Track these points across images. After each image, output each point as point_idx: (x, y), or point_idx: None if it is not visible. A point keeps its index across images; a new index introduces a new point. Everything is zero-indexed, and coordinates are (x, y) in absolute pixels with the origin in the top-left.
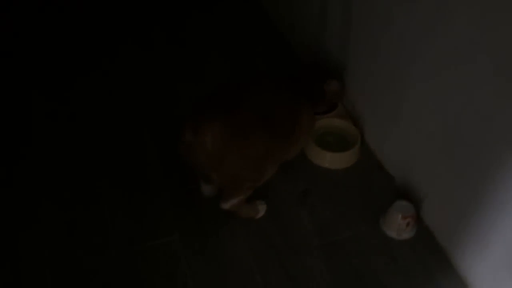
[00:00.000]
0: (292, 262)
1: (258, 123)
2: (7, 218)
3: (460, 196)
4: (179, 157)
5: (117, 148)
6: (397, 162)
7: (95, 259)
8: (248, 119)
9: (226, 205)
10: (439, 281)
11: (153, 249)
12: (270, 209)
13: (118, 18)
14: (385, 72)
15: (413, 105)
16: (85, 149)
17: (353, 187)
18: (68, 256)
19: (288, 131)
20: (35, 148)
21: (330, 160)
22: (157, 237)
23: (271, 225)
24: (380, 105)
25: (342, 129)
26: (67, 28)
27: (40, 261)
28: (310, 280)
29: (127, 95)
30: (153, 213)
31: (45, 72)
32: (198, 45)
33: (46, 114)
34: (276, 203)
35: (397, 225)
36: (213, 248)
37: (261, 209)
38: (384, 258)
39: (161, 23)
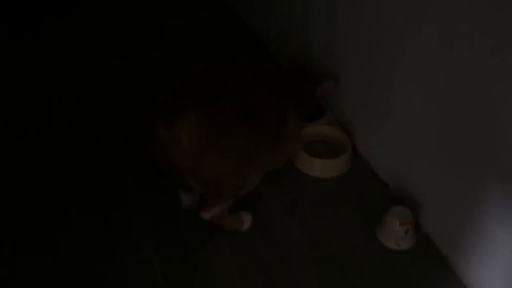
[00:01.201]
0: (281, 278)
1: (240, 119)
2: None
3: (460, 199)
4: (156, 166)
5: (91, 159)
6: (390, 168)
7: (67, 277)
8: (228, 112)
9: (207, 215)
10: None
11: (130, 265)
12: (257, 220)
13: (97, 30)
14: (374, 76)
15: (405, 108)
16: (58, 162)
17: (345, 196)
18: (41, 273)
19: (273, 130)
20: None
21: (320, 168)
22: (133, 252)
23: (258, 237)
24: (370, 110)
25: (331, 136)
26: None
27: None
28: None
29: (104, 104)
30: (129, 226)
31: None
32: (179, 56)
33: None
34: (263, 214)
35: (395, 233)
36: (195, 263)
37: (247, 221)
38: (382, 270)
39: (138, 34)
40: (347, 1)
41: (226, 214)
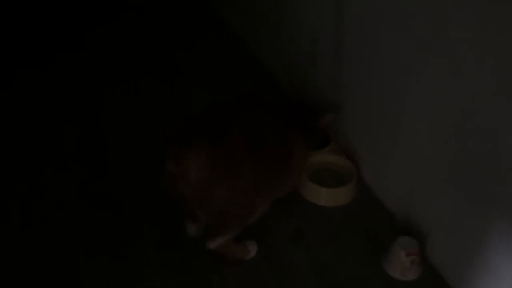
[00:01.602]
0: None
1: (248, 152)
2: None
3: (466, 230)
4: (163, 195)
5: (97, 186)
6: (396, 197)
7: None
8: (237, 146)
9: (212, 245)
10: None
11: None
12: (262, 250)
13: (107, 64)
14: (380, 107)
15: (411, 139)
16: (62, 186)
17: (351, 225)
18: None
19: (280, 163)
20: None
21: (326, 197)
22: (138, 280)
23: (263, 267)
24: (376, 140)
25: (337, 165)
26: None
27: None
28: None
29: (115, 131)
30: (135, 255)
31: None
32: (187, 85)
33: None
34: (268, 244)
35: (401, 264)
36: None
37: (252, 250)
38: None
39: (150, 67)
40: (354, 34)
41: (232, 243)
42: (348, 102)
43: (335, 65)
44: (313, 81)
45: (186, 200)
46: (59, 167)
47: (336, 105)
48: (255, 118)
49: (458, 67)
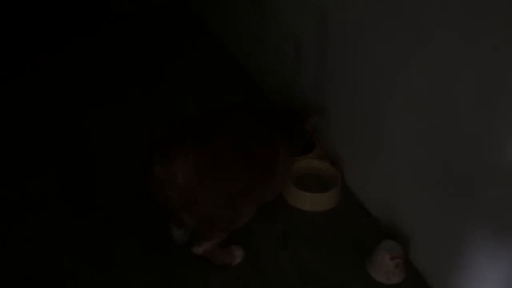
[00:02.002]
0: None
1: (234, 157)
2: None
3: (449, 233)
4: (148, 200)
5: (82, 190)
6: (380, 202)
7: None
8: (223, 151)
9: (199, 250)
10: None
11: None
12: (248, 254)
13: (95, 72)
14: (363, 113)
15: (393, 144)
16: (46, 190)
17: (336, 230)
18: None
19: (265, 168)
20: None
21: (311, 202)
22: (123, 285)
23: (249, 272)
24: (359, 145)
25: (321, 170)
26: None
27: None
28: None
29: (101, 137)
30: (119, 262)
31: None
32: (172, 91)
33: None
34: (254, 248)
35: (386, 267)
36: None
37: (238, 255)
38: None
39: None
40: (338, 41)
41: (218, 249)
42: (332, 108)
43: (319, 72)
44: (298, 88)
45: (172, 204)
46: (43, 171)
47: (321, 108)
48: (240, 124)
49: (438, 74)
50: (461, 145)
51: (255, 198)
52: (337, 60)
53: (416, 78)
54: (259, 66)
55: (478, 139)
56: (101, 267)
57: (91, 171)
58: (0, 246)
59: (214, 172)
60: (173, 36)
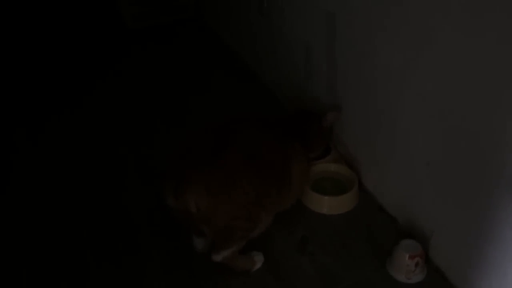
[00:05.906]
0: None
1: (246, 167)
2: None
3: (468, 230)
4: (168, 212)
5: (102, 204)
6: (397, 202)
7: None
8: (235, 162)
9: (218, 257)
10: None
11: None
12: (268, 260)
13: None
14: (375, 113)
15: (407, 142)
16: (67, 205)
17: (355, 232)
18: None
19: (279, 174)
20: None
21: (329, 205)
22: None
23: (270, 277)
24: (373, 146)
25: (338, 174)
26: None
27: None
28: None
29: (108, 146)
30: (142, 270)
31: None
32: (182, 95)
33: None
34: (274, 254)
35: (405, 266)
36: None
37: (258, 261)
38: None
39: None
40: (347, 43)
41: (237, 255)
42: (345, 111)
43: (331, 75)
44: (311, 92)
45: (191, 220)
46: (70, 173)
47: (337, 105)
48: (250, 135)
49: (448, 72)
50: (474, 142)
51: (271, 207)
52: (347, 63)
53: (426, 77)
54: (273, 74)
55: (490, 137)
56: (124, 278)
57: (117, 174)
58: (25, 244)
59: (227, 188)
60: (190, 54)
